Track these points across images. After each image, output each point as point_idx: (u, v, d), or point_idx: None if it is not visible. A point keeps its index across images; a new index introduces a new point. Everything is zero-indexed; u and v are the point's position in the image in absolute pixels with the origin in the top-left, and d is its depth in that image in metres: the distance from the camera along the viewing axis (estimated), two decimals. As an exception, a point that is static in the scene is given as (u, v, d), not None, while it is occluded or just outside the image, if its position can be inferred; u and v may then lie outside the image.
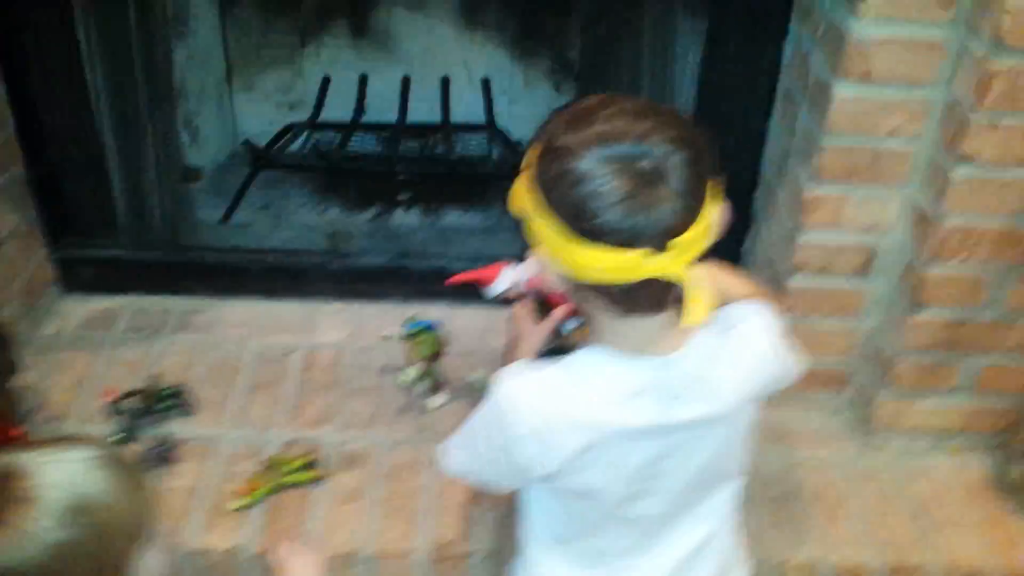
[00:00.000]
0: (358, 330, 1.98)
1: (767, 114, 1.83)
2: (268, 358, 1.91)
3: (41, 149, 1.86)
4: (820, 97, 1.55)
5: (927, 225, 1.55)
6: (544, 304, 1.49)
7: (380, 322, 1.97)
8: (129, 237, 1.99)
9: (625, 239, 0.92)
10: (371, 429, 1.75)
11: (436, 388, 1.79)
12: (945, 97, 1.48)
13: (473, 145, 2.28)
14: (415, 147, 2.25)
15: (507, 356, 1.43)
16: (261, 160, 2.19)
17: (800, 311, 1.71)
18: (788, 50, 1.74)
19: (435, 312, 1.94)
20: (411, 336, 1.75)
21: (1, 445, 1.56)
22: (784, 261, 1.72)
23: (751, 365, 1.11)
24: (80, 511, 0.92)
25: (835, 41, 1.49)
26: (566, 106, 1.01)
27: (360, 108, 2.27)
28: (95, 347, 1.90)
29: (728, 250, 1.85)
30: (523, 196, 1.01)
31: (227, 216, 2.08)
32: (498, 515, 1.59)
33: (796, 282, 1.70)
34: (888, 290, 1.68)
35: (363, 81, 2.28)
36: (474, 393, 1.77)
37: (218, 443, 1.70)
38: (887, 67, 1.45)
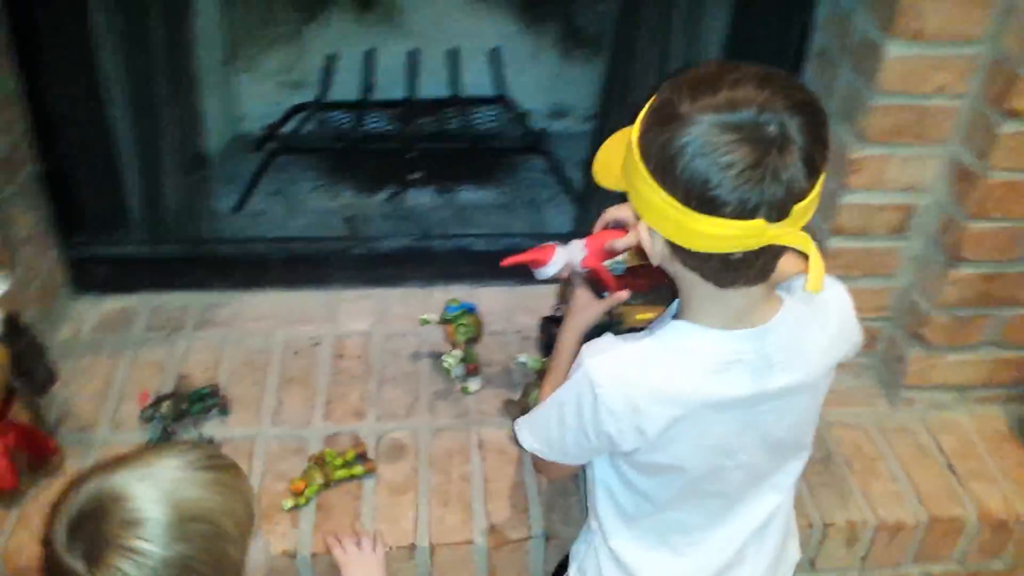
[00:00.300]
0: (384, 316, 1.94)
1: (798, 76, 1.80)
2: (296, 350, 1.85)
3: (51, 144, 1.77)
4: (868, 56, 1.52)
5: (970, 181, 1.54)
6: (595, 283, 1.47)
7: (405, 307, 1.95)
8: (143, 232, 1.93)
9: (750, 208, 0.91)
10: (412, 417, 1.71)
11: (475, 371, 1.76)
12: (992, 53, 1.46)
13: (486, 118, 2.22)
14: (428, 123, 2.19)
15: (562, 332, 1.43)
16: (276, 145, 2.12)
17: (835, 272, 1.71)
18: (823, 10, 1.70)
19: (458, 292, 1.92)
20: (453, 319, 1.71)
21: (41, 459, 1.53)
22: (823, 223, 1.69)
23: (835, 333, 1.12)
24: (189, 519, 0.90)
25: (886, 1, 1.47)
26: (679, 74, 0.97)
27: (368, 85, 2.20)
28: (116, 350, 1.84)
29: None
30: (627, 167, 0.99)
31: (240, 205, 2.02)
32: (548, 498, 1.58)
33: (834, 244, 1.69)
34: (923, 248, 1.68)
35: (369, 57, 2.21)
36: (524, 375, 1.74)
37: (259, 442, 1.65)
38: (938, 24, 1.43)
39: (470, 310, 1.72)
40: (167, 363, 1.81)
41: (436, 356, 1.82)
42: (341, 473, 1.58)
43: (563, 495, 1.58)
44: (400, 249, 1.96)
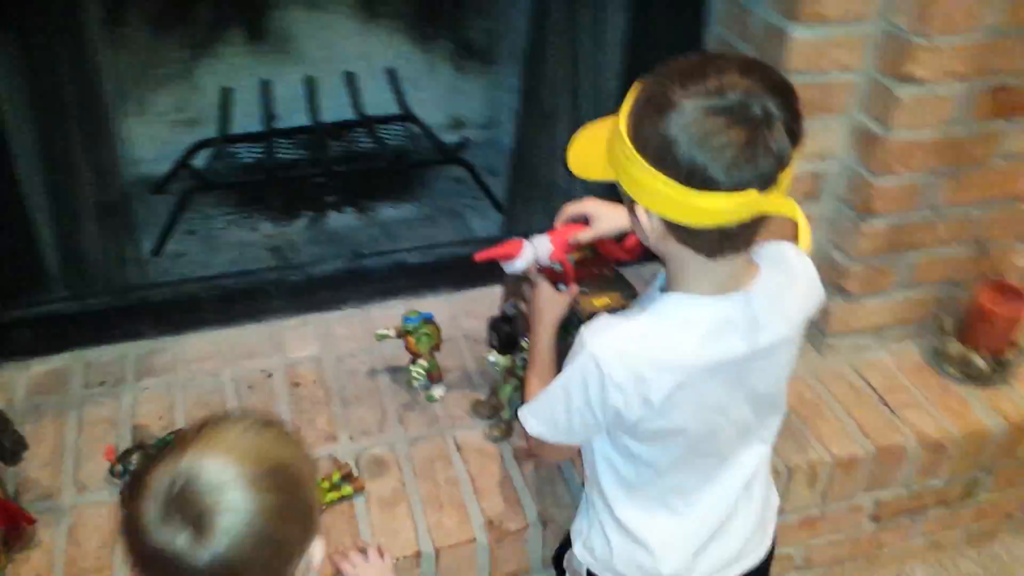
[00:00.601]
0: (329, 339, 1.94)
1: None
2: (249, 384, 1.82)
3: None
4: (773, 41, 1.66)
5: (874, 143, 1.70)
6: (554, 277, 1.54)
7: (348, 328, 1.96)
8: (63, 288, 1.84)
9: (745, 182, 1.01)
10: (384, 432, 1.72)
11: (438, 379, 1.79)
12: (883, 29, 1.62)
13: (395, 135, 2.25)
14: (338, 146, 2.20)
15: (535, 327, 1.50)
16: (192, 183, 2.07)
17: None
18: (717, 5, 1.84)
19: (396, 307, 1.95)
20: (414, 331, 1.74)
21: (17, 532, 1.45)
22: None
23: (804, 291, 1.25)
24: (270, 471, 0.93)
25: (788, -10, 1.61)
26: (661, 67, 1.06)
27: (270, 115, 2.19)
28: (58, 411, 1.75)
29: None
30: (617, 158, 1.07)
31: (159, 248, 1.97)
32: (535, 486, 1.63)
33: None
34: (834, 208, 1.84)
35: (266, 87, 2.20)
36: (492, 374, 1.78)
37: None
38: (836, 7, 1.59)
39: (429, 319, 1.75)
40: (117, 417, 1.74)
41: (393, 370, 1.85)
42: (331, 496, 1.57)
43: (549, 482, 1.65)
44: (334, 272, 1.96)
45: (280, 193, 2.16)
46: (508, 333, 1.83)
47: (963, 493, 1.91)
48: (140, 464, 1.56)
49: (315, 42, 2.22)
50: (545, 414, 1.27)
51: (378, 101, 2.29)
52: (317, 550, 1.01)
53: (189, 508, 0.90)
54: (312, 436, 1.71)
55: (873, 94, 1.68)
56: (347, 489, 1.59)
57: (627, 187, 1.08)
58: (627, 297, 1.80)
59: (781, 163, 1.01)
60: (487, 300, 2.03)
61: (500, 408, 1.72)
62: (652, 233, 1.10)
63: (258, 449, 0.95)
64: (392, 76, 2.27)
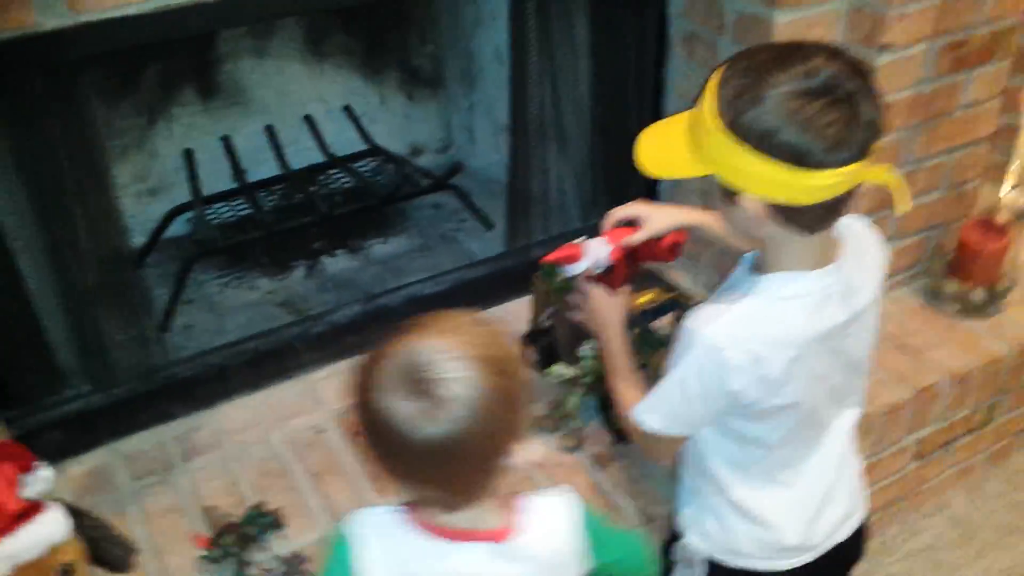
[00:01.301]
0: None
1: (661, 63, 2.03)
2: (305, 443, 1.79)
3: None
4: (754, 29, 1.76)
5: (854, 111, 1.85)
6: (607, 279, 1.60)
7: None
8: (86, 382, 1.75)
9: (848, 157, 1.09)
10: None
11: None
12: (850, 4, 1.76)
13: (370, 171, 2.24)
14: (324, 188, 2.17)
15: (602, 333, 1.55)
16: (195, 251, 2.00)
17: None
18: (678, 2, 1.92)
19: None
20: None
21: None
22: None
23: (876, 253, 1.34)
24: (497, 358, 0.99)
25: (767, -22, 1.72)
26: (738, 60, 1.13)
27: (238, 170, 2.14)
28: (116, 510, 1.65)
29: (646, 188, 2.08)
30: (714, 153, 1.12)
31: (166, 324, 1.89)
32: (625, 488, 1.69)
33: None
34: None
35: (227, 143, 2.15)
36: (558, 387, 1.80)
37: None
38: (811, -10, 1.72)
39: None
40: (183, 503, 1.68)
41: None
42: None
43: (637, 481, 1.70)
44: (354, 316, 1.94)
45: (268, 247, 2.11)
46: (547, 346, 1.88)
47: (985, 418, 2.10)
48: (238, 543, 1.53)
49: (268, 91, 2.19)
50: (663, 409, 1.31)
51: (341, 140, 2.27)
52: (535, 448, 1.06)
53: (424, 383, 0.95)
54: (389, 485, 1.69)
55: (849, 65, 1.82)
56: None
57: (730, 178, 1.14)
58: (665, 292, 1.88)
59: (876, 133, 1.11)
60: (505, 319, 2.06)
61: (569, 418, 1.76)
62: (755, 219, 1.17)
63: (484, 336, 1.01)
64: (350, 113, 2.26)
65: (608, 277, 1.62)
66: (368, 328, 1.95)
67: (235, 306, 2.01)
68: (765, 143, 1.09)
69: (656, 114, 2.07)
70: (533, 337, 1.90)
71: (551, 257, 1.57)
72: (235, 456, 1.77)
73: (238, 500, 1.67)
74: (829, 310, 1.24)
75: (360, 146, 2.28)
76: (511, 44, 1.85)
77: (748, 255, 1.32)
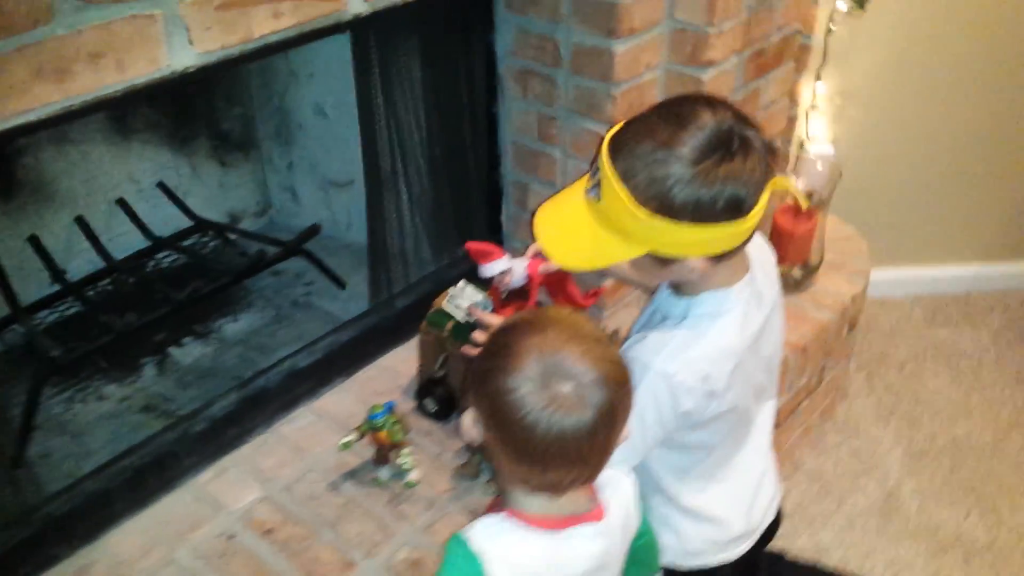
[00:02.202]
0: (260, 475, 1.79)
1: (493, 101, 2.05)
2: (219, 553, 1.64)
3: None
4: (594, 60, 1.84)
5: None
6: (518, 302, 1.62)
7: (270, 457, 1.83)
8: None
9: (764, 188, 1.20)
10: (395, 535, 1.67)
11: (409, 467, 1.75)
12: (671, 27, 1.88)
13: (205, 248, 2.07)
14: (158, 274, 1.97)
15: None
16: (39, 368, 1.75)
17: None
18: (504, 38, 1.96)
19: (303, 416, 1.90)
20: (384, 424, 1.68)
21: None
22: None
23: (771, 258, 1.47)
24: (609, 352, 1.09)
25: (602, 12, 1.78)
26: (627, 142, 1.19)
27: (56, 270, 1.90)
28: None
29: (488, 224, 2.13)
30: (643, 234, 1.19)
31: (19, 457, 1.64)
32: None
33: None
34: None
35: (36, 243, 1.91)
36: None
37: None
38: (640, 19, 1.80)
39: (392, 407, 1.71)
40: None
41: (348, 476, 1.78)
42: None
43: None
44: (234, 404, 1.80)
45: (102, 350, 1.88)
46: (444, 393, 1.85)
47: (818, 380, 2.31)
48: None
49: (71, 181, 1.97)
50: (624, 447, 1.33)
51: (156, 219, 2.10)
52: None
53: (567, 378, 1.04)
54: (328, 572, 1.60)
55: (673, 82, 1.95)
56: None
57: (671, 252, 1.22)
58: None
59: (773, 151, 1.23)
60: (384, 376, 2.02)
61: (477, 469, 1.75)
62: (696, 271, 1.25)
63: (597, 331, 1.11)
64: (165, 189, 2.09)
65: (518, 302, 1.64)
66: (248, 415, 1.83)
67: (90, 422, 1.79)
68: (701, 214, 1.17)
69: (493, 151, 2.12)
70: (428, 388, 1.88)
71: (477, 245, 1.58)
72: (145, 582, 1.60)
73: (168, 632, 1.52)
74: (752, 317, 1.34)
75: (181, 222, 2.12)
76: (358, 95, 1.80)
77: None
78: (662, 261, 1.24)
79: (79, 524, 1.63)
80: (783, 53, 2.13)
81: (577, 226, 1.27)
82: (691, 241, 1.19)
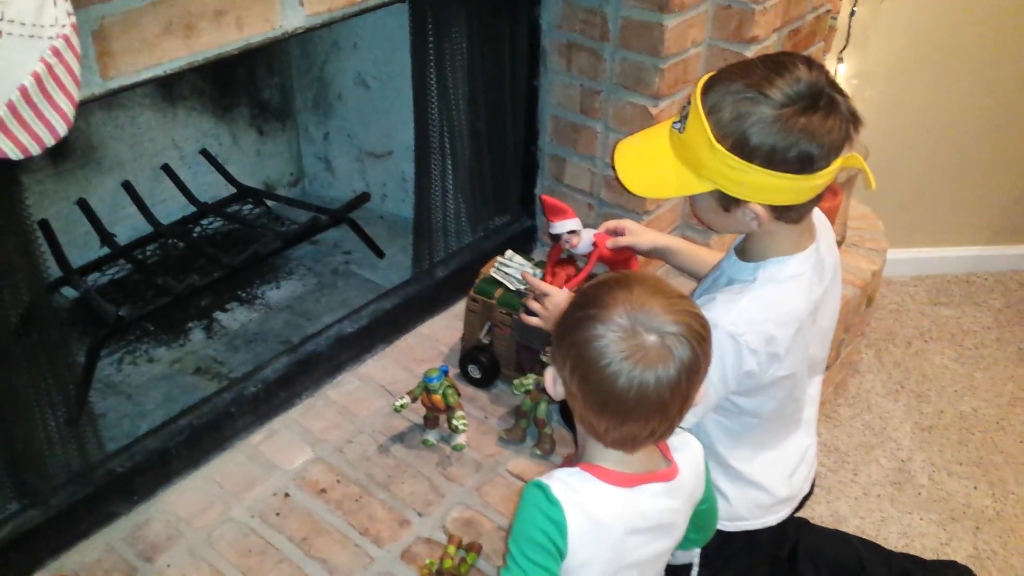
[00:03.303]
0: (311, 436, 1.82)
1: (535, 74, 2.08)
2: (277, 512, 1.67)
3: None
4: (644, 34, 1.88)
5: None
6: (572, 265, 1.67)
7: (320, 420, 1.86)
8: (17, 500, 1.51)
9: (838, 154, 1.25)
10: (446, 496, 1.71)
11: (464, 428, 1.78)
12: (715, 3, 1.93)
13: (250, 215, 2.08)
14: (208, 239, 1.98)
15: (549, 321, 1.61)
16: (106, 332, 1.75)
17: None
18: (552, 12, 2.00)
19: (349, 382, 1.94)
20: (439, 387, 1.71)
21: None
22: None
23: (831, 232, 1.51)
24: (692, 311, 1.12)
25: (653, -14, 1.83)
26: (723, 82, 1.24)
27: (105, 233, 1.91)
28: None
29: (521, 197, 2.18)
30: (719, 171, 1.24)
31: (77, 419, 1.65)
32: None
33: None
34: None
35: (85, 206, 1.91)
36: (522, 397, 1.81)
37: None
38: (679, -5, 1.86)
39: (446, 371, 1.74)
40: (167, 607, 1.51)
41: (398, 438, 1.81)
42: (463, 568, 1.56)
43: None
44: (285, 368, 1.82)
45: (161, 312, 1.88)
46: (489, 361, 1.89)
47: (836, 355, 2.37)
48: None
49: (119, 145, 1.98)
50: None
51: (199, 186, 2.11)
52: None
53: (651, 334, 1.07)
54: (383, 529, 1.64)
55: (716, 59, 1.99)
56: (472, 557, 1.57)
57: (735, 192, 1.26)
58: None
59: (858, 121, 1.27)
60: (424, 344, 2.05)
61: (539, 427, 1.79)
62: (757, 222, 1.29)
63: (678, 293, 1.13)
64: (208, 156, 2.10)
65: (568, 270, 1.68)
66: (296, 380, 1.86)
67: (142, 383, 1.81)
68: (772, 159, 1.21)
69: (531, 125, 2.15)
70: (472, 355, 1.91)
71: (547, 200, 1.64)
72: (202, 544, 1.62)
73: (229, 590, 1.55)
74: (815, 285, 1.39)
75: (219, 190, 2.13)
76: (413, 65, 1.82)
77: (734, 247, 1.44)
78: (726, 205, 1.29)
79: (137, 482, 1.66)
80: (816, 32, 2.18)
81: (654, 155, 1.32)
82: (757, 185, 1.23)
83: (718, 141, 1.22)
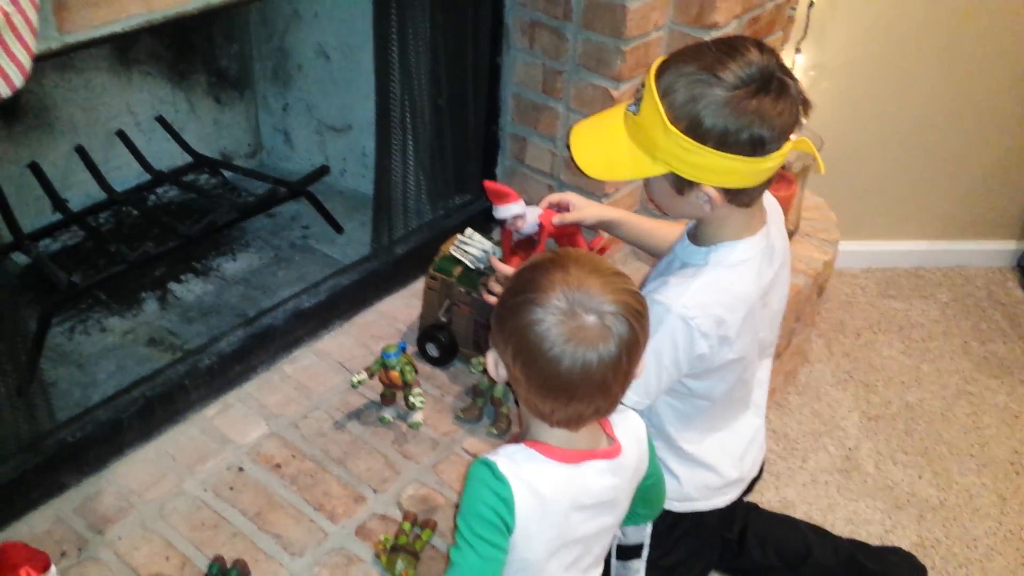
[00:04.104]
0: (266, 411, 1.81)
1: (497, 52, 2.08)
2: (227, 485, 1.66)
3: None
4: (607, 16, 1.89)
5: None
6: (527, 246, 1.67)
7: (274, 395, 1.85)
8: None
9: (789, 135, 1.27)
10: (402, 472, 1.70)
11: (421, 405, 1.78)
12: (675, -11, 1.95)
13: (207, 184, 2.04)
14: (161, 208, 1.94)
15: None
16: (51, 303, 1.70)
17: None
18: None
19: (305, 357, 1.92)
20: (397, 363, 1.70)
21: None
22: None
23: (781, 217, 1.54)
24: (630, 291, 1.13)
25: (620, -32, 1.83)
26: (677, 64, 1.25)
27: (58, 199, 1.87)
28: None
29: (482, 176, 2.16)
30: (672, 154, 1.26)
31: (27, 387, 1.62)
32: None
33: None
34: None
35: (37, 170, 1.87)
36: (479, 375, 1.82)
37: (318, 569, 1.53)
38: (652, -23, 1.86)
39: (404, 348, 1.73)
40: (119, 572, 1.49)
41: (354, 415, 1.81)
42: (419, 545, 1.55)
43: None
44: (241, 340, 1.81)
45: (113, 280, 1.84)
46: (447, 339, 1.89)
47: (787, 343, 2.40)
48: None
49: (72, 108, 1.93)
50: (639, 385, 1.37)
51: (153, 153, 2.07)
52: None
53: (591, 314, 1.08)
54: (338, 505, 1.63)
55: (676, 43, 1.99)
56: (427, 533, 1.57)
57: (688, 174, 1.28)
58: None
59: (807, 104, 1.29)
60: (382, 321, 2.04)
61: (495, 405, 1.79)
62: (710, 205, 1.31)
63: (617, 271, 1.14)
64: (164, 123, 2.06)
65: (527, 251, 1.68)
66: (254, 352, 1.84)
67: (94, 353, 1.78)
68: (725, 141, 1.23)
69: (493, 103, 2.14)
70: (430, 333, 1.91)
71: (496, 184, 1.61)
72: (154, 516, 1.60)
73: (181, 561, 1.53)
74: (764, 270, 1.41)
75: (175, 159, 2.10)
76: (375, 37, 1.80)
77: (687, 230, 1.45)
78: (679, 188, 1.30)
79: (89, 453, 1.63)
80: (775, 22, 2.20)
81: (610, 138, 1.33)
82: (711, 167, 1.24)
83: (672, 123, 1.23)
